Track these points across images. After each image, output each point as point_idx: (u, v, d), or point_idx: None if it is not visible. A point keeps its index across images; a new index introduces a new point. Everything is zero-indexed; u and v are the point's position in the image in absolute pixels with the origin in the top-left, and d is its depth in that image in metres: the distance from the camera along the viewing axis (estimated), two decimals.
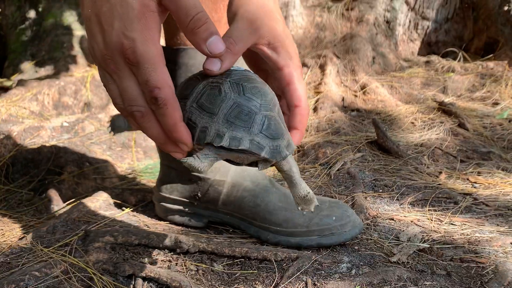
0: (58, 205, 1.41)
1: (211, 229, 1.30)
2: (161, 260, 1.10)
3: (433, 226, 1.39)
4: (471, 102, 2.82)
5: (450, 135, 2.33)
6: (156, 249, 1.13)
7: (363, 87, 2.82)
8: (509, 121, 2.52)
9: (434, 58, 3.48)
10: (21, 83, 2.66)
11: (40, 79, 2.68)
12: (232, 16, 0.70)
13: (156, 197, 1.32)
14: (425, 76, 3.13)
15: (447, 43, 3.94)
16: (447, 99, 2.74)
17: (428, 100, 2.79)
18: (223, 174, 1.25)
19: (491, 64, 3.30)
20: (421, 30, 3.80)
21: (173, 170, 1.28)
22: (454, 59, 3.50)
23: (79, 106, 2.36)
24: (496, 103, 2.76)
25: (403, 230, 1.34)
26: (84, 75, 2.58)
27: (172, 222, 1.31)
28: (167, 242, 1.13)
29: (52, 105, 2.33)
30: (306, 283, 1.03)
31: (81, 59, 2.98)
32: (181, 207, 1.29)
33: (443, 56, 3.61)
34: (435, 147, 2.17)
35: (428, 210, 1.51)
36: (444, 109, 2.57)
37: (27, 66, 2.98)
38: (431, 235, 1.32)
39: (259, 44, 0.69)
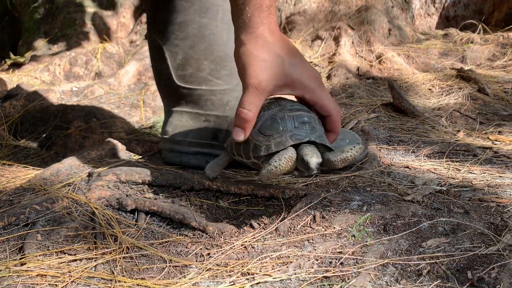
0: (64, 156, 1.40)
1: (228, 170, 1.25)
2: (165, 197, 1.07)
3: (450, 174, 1.33)
4: (492, 70, 2.72)
5: (469, 100, 2.24)
6: (160, 187, 1.10)
7: (378, 57, 2.75)
8: None
9: (452, 31, 3.37)
10: (34, 58, 2.67)
11: (52, 55, 2.69)
12: (241, 78, 0.94)
13: (166, 143, 1.28)
14: (443, 47, 3.03)
15: (466, 18, 3.82)
16: (466, 67, 2.65)
17: (446, 69, 2.70)
18: None
19: None
20: (439, 4, 3.69)
21: (185, 113, 1.24)
22: (473, 32, 3.39)
23: (90, 76, 2.35)
24: None
25: (419, 176, 1.29)
26: (95, 47, 2.57)
27: (188, 166, 1.26)
28: (172, 180, 1.10)
29: (64, 75, 2.33)
30: (314, 216, 0.98)
31: (93, 35, 2.98)
32: (198, 149, 1.25)
33: (462, 30, 3.50)
34: (453, 110, 2.09)
35: (446, 161, 1.44)
36: (463, 76, 2.48)
37: (40, 44, 3.00)
38: (448, 181, 1.26)
39: (280, 93, 0.96)
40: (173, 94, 1.24)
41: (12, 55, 2.80)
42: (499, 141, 1.75)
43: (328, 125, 1.00)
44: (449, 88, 2.37)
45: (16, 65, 2.71)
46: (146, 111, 1.72)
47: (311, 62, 2.78)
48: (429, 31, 3.54)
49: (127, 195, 1.05)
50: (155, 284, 0.80)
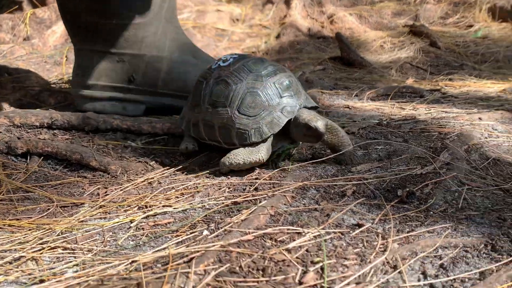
0: None
1: (151, 117, 1.12)
2: (66, 139, 0.93)
3: (394, 111, 1.23)
4: (445, 27, 2.67)
5: (420, 53, 2.16)
6: (62, 130, 0.96)
7: (330, 17, 2.65)
8: (483, 38, 2.37)
9: None
10: None
11: None
12: None
13: (76, 88, 1.13)
14: (397, 8, 2.96)
15: None
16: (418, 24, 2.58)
17: (398, 27, 2.63)
18: (160, 49, 1.08)
19: None
20: None
21: (95, 53, 1.09)
22: None
23: (17, 42, 2.15)
24: (470, 26, 2.61)
25: (359, 114, 1.19)
26: (24, 13, 2.36)
27: (103, 113, 1.11)
28: (74, 120, 0.96)
29: None
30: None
31: (27, 6, 2.76)
32: (113, 94, 1.10)
33: None
34: (404, 62, 2.02)
35: (390, 102, 1.35)
36: (415, 31, 2.40)
37: None
38: (390, 117, 1.17)
39: None
40: (80, 31, 1.09)
41: None
42: (449, 86, 1.68)
43: None
44: (401, 43, 2.29)
45: None
46: (69, 67, 1.56)
47: (261, 25, 2.66)
48: None
49: (18, 138, 0.90)
50: (31, 224, 0.66)
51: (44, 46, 1.81)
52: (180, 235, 0.61)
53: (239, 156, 0.75)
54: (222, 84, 0.80)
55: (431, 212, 0.63)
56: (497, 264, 0.50)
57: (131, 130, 0.95)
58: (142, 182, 0.78)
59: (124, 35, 1.06)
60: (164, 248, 0.58)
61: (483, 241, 0.54)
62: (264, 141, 0.77)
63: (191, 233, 0.61)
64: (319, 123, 0.75)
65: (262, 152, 0.76)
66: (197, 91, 0.84)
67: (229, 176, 0.77)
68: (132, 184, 0.77)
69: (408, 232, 0.58)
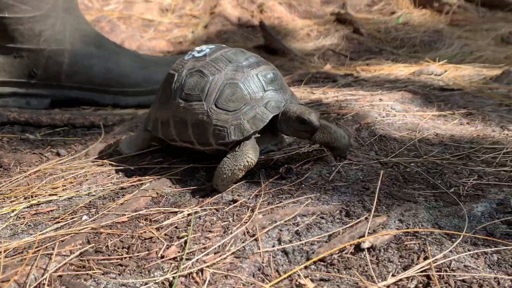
0: None
1: (58, 109, 1.10)
2: None
3: (304, 96, 1.29)
4: (370, 14, 2.77)
5: (344, 40, 2.25)
6: None
7: (259, 6, 2.68)
8: (404, 24, 2.49)
9: None
10: None
11: None
12: None
13: None
14: None
15: None
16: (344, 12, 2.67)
17: (326, 16, 2.70)
18: (60, 42, 1.06)
19: None
20: None
21: None
22: None
23: None
24: (393, 12, 2.73)
25: None
26: None
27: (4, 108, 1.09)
28: None
29: None
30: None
31: None
32: (14, 89, 1.08)
33: None
34: (327, 49, 2.09)
35: (303, 87, 1.40)
36: (340, 19, 2.49)
37: None
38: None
39: None
40: None
41: None
42: (365, 70, 1.76)
43: None
44: (326, 31, 2.37)
45: None
46: None
47: (191, 15, 2.65)
48: None
49: None
50: None
51: None
52: (60, 221, 0.62)
53: (224, 168, 0.65)
54: (197, 75, 0.71)
55: (303, 185, 0.68)
56: (345, 227, 0.55)
57: (29, 123, 0.94)
58: (34, 173, 0.78)
59: (19, 29, 1.04)
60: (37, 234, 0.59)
61: (339, 208, 0.59)
62: (246, 138, 0.67)
63: (71, 219, 0.62)
64: (313, 115, 0.68)
65: (248, 154, 0.66)
66: (166, 85, 0.75)
67: (119, 164, 0.78)
68: (23, 176, 0.77)
69: (276, 204, 0.62)
